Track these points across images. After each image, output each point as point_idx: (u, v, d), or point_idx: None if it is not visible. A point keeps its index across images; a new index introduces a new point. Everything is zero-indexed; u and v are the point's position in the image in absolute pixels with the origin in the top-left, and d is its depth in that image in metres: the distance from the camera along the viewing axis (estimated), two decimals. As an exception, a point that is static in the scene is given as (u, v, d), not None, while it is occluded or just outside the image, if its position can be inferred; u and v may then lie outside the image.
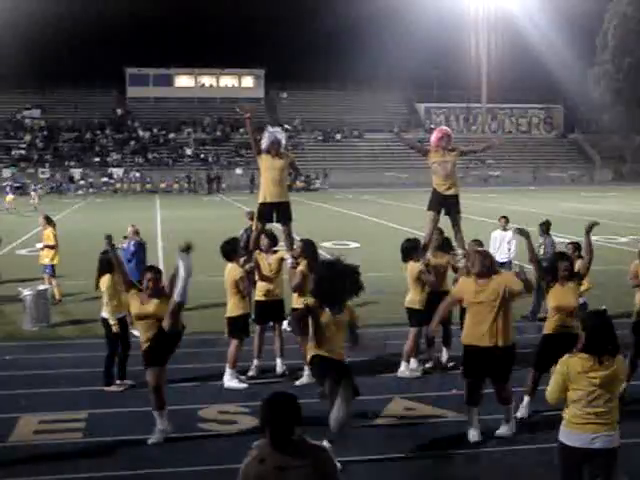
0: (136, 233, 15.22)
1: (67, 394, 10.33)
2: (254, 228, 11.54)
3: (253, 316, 11.42)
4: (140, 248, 14.99)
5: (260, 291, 11.33)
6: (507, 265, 16.21)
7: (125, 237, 15.21)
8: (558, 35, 72.16)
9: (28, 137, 75.67)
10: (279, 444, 4.42)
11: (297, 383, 10.51)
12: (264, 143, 11.20)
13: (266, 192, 11.09)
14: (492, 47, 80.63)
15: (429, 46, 72.20)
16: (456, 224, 11.52)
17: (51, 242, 16.65)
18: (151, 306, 8.68)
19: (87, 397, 10.12)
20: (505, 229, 16.34)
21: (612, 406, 6.09)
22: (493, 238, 16.37)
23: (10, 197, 43.62)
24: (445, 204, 11.41)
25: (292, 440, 4.45)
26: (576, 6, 71.42)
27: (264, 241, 11.33)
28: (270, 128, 11.63)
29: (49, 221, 17.05)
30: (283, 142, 11.24)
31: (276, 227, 11.66)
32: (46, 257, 16.68)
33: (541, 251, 15.44)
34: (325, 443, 7.46)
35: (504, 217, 16.64)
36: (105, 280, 10.61)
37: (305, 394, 9.04)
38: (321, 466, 4.46)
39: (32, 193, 47.03)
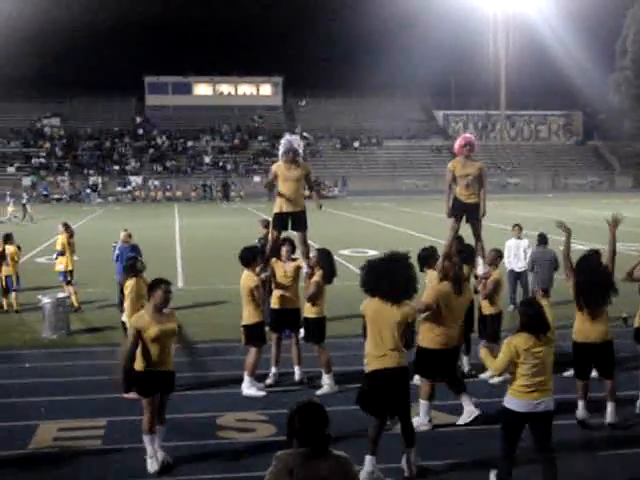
0: (129, 237, 16.10)
1: (86, 401, 10.36)
2: (270, 237, 11.54)
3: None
4: (126, 251, 15.49)
5: (276, 299, 11.34)
6: (524, 274, 16.11)
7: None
8: (577, 41, 71.81)
9: (48, 145, 76.13)
10: (320, 451, 4.43)
11: (318, 393, 10.49)
12: (280, 150, 11.23)
13: (282, 202, 11.10)
14: (510, 53, 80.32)
15: (447, 53, 72.08)
16: (476, 232, 11.48)
17: (59, 248, 16.81)
18: (172, 324, 8.42)
19: (106, 404, 10.14)
20: (519, 237, 16.23)
21: (549, 375, 7.38)
22: (507, 247, 16.18)
23: (11, 207, 43.27)
24: (465, 211, 11.37)
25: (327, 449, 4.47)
26: (595, 12, 71.12)
27: (284, 249, 11.34)
28: (288, 135, 11.66)
29: (66, 228, 17.20)
30: (300, 150, 11.24)
31: (293, 234, 11.65)
32: (60, 264, 16.84)
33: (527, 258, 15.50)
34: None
35: (517, 225, 16.53)
36: (130, 284, 10.64)
37: (327, 403, 9.05)
38: (347, 476, 4.48)
39: (24, 201, 44.60)
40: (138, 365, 8.35)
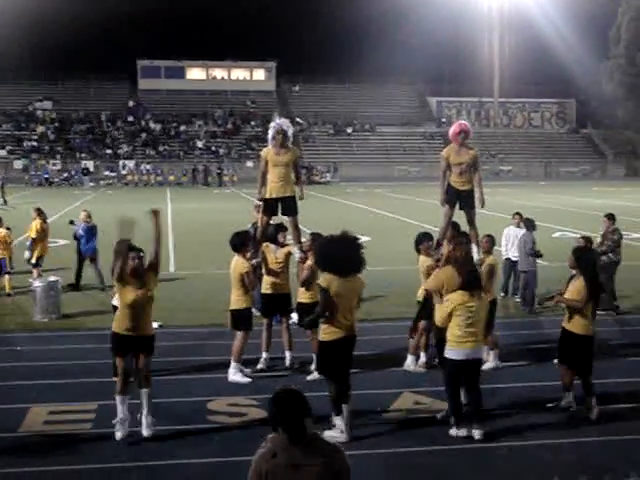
0: (88, 217, 17.44)
1: (77, 385, 10.36)
2: (259, 222, 11.54)
3: (254, 309, 11.46)
4: (89, 231, 17.12)
5: (267, 284, 11.35)
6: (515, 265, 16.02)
7: (71, 222, 18.44)
8: (571, 29, 71.78)
9: (40, 129, 75.82)
10: (296, 439, 4.43)
11: (309, 378, 10.49)
12: (269, 133, 11.21)
13: (272, 188, 11.09)
14: (504, 41, 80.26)
15: (441, 40, 71.96)
16: (470, 219, 11.47)
17: (33, 235, 16.93)
18: (152, 284, 8.83)
19: (97, 388, 10.11)
20: (519, 226, 16.01)
21: (480, 328, 8.62)
22: (506, 235, 15.98)
23: None
24: (459, 198, 11.36)
25: (306, 436, 4.45)
26: (589, 0, 71.02)
27: (281, 235, 11.39)
28: (277, 119, 11.64)
29: (39, 213, 17.29)
30: (289, 133, 11.21)
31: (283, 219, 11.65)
32: (30, 250, 17.01)
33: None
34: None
35: (518, 213, 16.25)
36: None
37: (317, 389, 9.07)
38: (334, 465, 4.45)
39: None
40: (115, 327, 8.72)
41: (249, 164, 70.62)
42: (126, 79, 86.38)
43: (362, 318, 13.78)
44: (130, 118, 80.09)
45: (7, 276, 16.69)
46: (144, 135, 77.21)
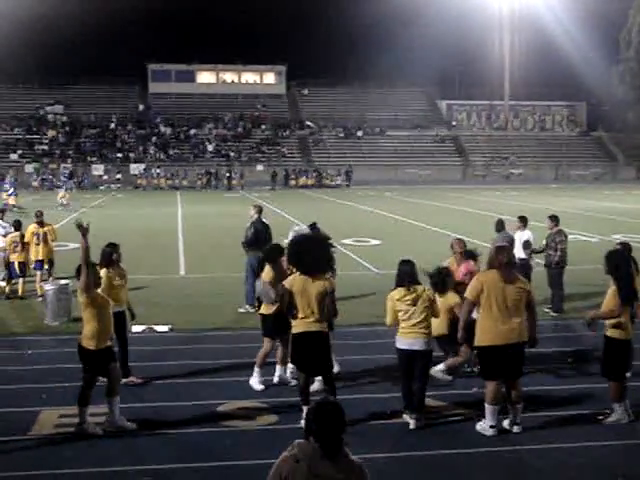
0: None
1: (88, 388, 10.34)
2: None
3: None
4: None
5: None
6: (526, 264, 15.91)
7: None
8: (582, 32, 71.58)
9: (51, 133, 76.05)
10: (330, 453, 4.43)
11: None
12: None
13: None
14: (515, 44, 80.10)
15: (451, 43, 71.86)
16: None
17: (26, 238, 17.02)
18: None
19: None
20: (523, 229, 15.89)
21: (424, 320, 8.89)
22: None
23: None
24: None
25: (340, 452, 4.46)
26: (600, 2, 70.87)
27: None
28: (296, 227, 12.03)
29: (36, 216, 17.55)
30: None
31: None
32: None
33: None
34: None
35: (521, 217, 16.25)
36: (101, 273, 10.08)
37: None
38: None
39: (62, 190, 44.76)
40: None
41: (259, 167, 70.65)
42: (136, 83, 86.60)
43: (373, 322, 13.79)
44: (140, 122, 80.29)
45: (21, 280, 16.77)
46: (154, 139, 77.36)
